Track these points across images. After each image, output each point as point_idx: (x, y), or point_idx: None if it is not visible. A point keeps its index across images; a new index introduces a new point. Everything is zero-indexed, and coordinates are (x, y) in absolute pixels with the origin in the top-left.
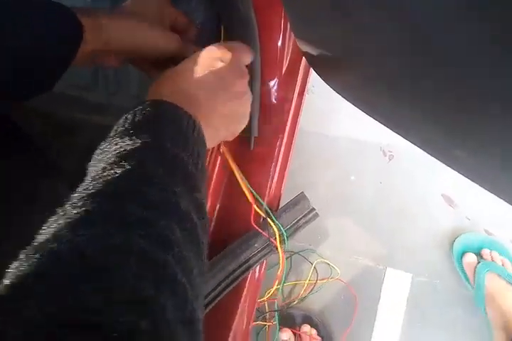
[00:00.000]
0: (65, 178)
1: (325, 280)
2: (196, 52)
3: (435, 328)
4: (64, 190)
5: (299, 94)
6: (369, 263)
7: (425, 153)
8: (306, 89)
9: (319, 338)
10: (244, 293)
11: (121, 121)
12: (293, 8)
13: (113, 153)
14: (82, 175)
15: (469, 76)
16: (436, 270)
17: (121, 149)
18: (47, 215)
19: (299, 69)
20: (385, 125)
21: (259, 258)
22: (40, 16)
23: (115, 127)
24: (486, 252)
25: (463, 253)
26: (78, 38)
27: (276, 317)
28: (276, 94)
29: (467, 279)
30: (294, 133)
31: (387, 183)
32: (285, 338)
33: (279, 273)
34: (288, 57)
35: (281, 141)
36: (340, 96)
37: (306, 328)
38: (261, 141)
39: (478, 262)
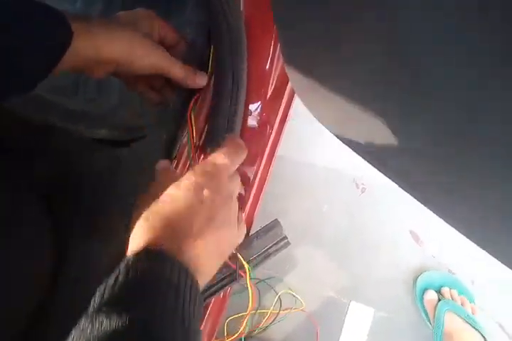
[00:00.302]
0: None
1: (288, 311)
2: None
3: None
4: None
5: (281, 119)
6: (334, 295)
7: (397, 189)
8: (288, 115)
9: None
10: (206, 317)
11: (101, 290)
12: (285, 31)
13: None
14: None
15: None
16: (398, 306)
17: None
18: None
19: (283, 94)
20: (362, 157)
21: (223, 286)
22: (29, 17)
23: (96, 297)
24: (445, 290)
25: (424, 291)
26: (66, 42)
27: None
28: (258, 118)
29: (427, 317)
30: (272, 158)
31: (359, 216)
32: None
33: (249, 307)
34: (274, 82)
35: (259, 166)
36: (320, 126)
37: None
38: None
39: (439, 300)
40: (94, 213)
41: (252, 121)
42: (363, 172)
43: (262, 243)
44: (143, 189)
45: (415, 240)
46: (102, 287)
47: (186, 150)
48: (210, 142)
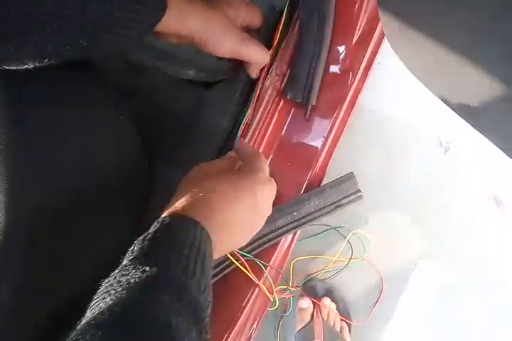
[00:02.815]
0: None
1: (355, 260)
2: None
3: (458, 329)
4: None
5: (365, 67)
6: (402, 251)
7: (484, 152)
8: (373, 65)
9: (337, 313)
10: (275, 255)
11: (135, 247)
12: None
13: (122, 284)
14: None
15: None
16: (468, 271)
17: (130, 281)
18: None
19: (370, 41)
20: (452, 109)
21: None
22: None
23: (129, 253)
24: None
25: None
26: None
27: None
28: (341, 64)
29: None
30: (352, 107)
31: (438, 175)
32: (304, 306)
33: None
34: (361, 28)
35: (338, 114)
36: (405, 78)
37: (326, 301)
38: (317, 111)
39: None
40: (179, 145)
41: (334, 68)
42: (449, 130)
43: (335, 193)
44: (225, 127)
45: (498, 205)
46: (140, 240)
47: (268, 94)
48: (291, 87)
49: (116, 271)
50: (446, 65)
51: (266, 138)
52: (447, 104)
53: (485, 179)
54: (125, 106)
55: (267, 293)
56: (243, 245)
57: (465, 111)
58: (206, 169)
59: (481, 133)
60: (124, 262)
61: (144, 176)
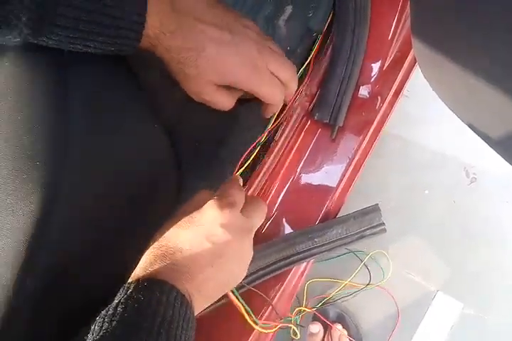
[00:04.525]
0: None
1: (372, 286)
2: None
3: None
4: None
5: (394, 93)
6: (422, 281)
7: (510, 185)
8: (402, 90)
9: (349, 339)
10: (288, 277)
11: (95, 326)
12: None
13: None
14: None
15: None
16: (491, 306)
17: None
18: None
19: (401, 67)
20: (483, 140)
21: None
22: None
23: (90, 333)
24: None
25: None
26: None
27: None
28: (371, 88)
29: None
30: (379, 131)
31: (463, 205)
32: (315, 331)
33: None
34: (393, 53)
35: (364, 137)
36: (433, 105)
37: (338, 326)
38: (343, 133)
39: None
40: (206, 159)
41: (363, 91)
42: (477, 161)
43: (358, 224)
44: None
45: None
46: (102, 315)
47: (296, 113)
48: (319, 107)
49: None
50: (478, 95)
51: (290, 157)
52: (476, 133)
53: (509, 212)
54: (159, 116)
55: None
56: (238, 281)
57: (495, 142)
58: (170, 219)
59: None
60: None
61: (173, 188)
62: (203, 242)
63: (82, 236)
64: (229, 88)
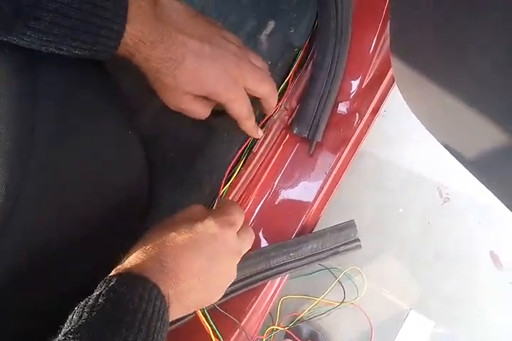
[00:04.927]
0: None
1: (345, 304)
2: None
3: None
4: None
5: (372, 110)
6: (395, 299)
7: (484, 205)
8: (380, 109)
9: None
10: (262, 293)
11: (74, 316)
12: (399, 17)
13: None
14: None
15: None
16: (462, 325)
17: None
18: None
19: (380, 85)
20: (460, 162)
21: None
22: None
23: (67, 322)
24: None
25: None
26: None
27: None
28: (349, 105)
29: None
30: (356, 148)
31: (436, 225)
32: None
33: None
34: (373, 71)
35: (341, 153)
36: (409, 126)
37: None
38: (321, 148)
39: None
40: (181, 168)
41: (342, 108)
42: (450, 181)
43: (334, 239)
44: (232, 156)
45: (494, 262)
46: (81, 305)
47: (275, 127)
48: (298, 121)
49: None
50: (453, 113)
51: (268, 170)
52: (451, 152)
53: (482, 232)
54: (133, 123)
55: None
56: (214, 301)
57: (469, 161)
58: (168, 223)
59: (485, 186)
60: (59, 337)
61: (143, 199)
62: (197, 253)
63: (47, 236)
64: (206, 98)
